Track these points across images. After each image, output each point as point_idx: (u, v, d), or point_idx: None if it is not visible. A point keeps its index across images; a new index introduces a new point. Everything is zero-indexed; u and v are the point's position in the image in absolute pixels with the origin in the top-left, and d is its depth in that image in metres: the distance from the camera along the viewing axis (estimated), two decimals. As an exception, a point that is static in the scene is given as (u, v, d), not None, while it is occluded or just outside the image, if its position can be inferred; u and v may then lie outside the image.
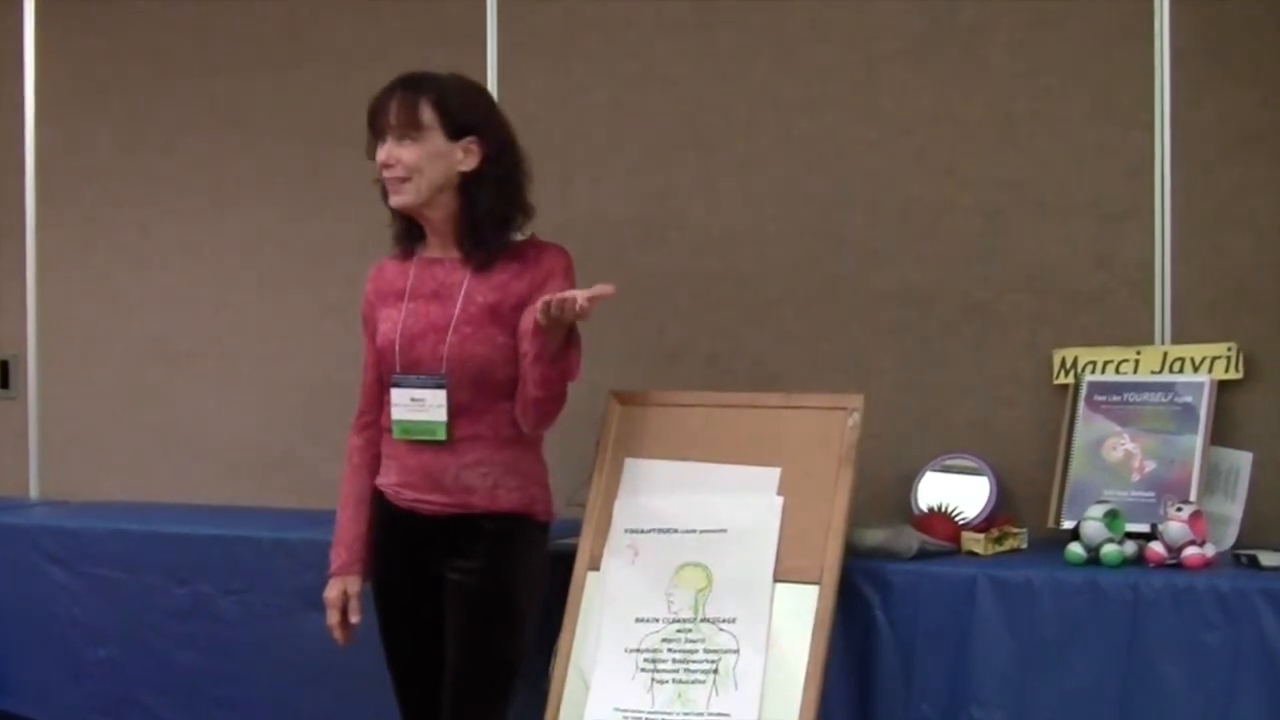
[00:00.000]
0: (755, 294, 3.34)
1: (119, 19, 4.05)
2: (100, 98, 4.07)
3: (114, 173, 4.06)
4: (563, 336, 2.60)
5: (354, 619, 2.82)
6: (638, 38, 3.46)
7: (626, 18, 3.47)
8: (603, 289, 2.48)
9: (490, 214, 2.71)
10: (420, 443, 2.71)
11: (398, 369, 2.73)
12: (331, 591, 2.83)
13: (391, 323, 2.76)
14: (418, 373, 2.71)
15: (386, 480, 2.80)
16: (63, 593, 3.51)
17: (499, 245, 2.72)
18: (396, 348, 2.73)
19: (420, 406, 2.70)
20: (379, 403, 2.82)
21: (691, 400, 2.92)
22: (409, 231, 2.80)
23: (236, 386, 3.91)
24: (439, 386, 2.69)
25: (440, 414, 2.69)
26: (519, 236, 2.77)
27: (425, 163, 2.67)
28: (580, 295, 2.47)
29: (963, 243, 3.16)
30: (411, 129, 2.66)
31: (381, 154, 2.68)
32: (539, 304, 2.52)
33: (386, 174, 2.69)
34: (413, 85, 2.69)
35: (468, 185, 2.71)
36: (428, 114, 2.67)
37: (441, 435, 2.69)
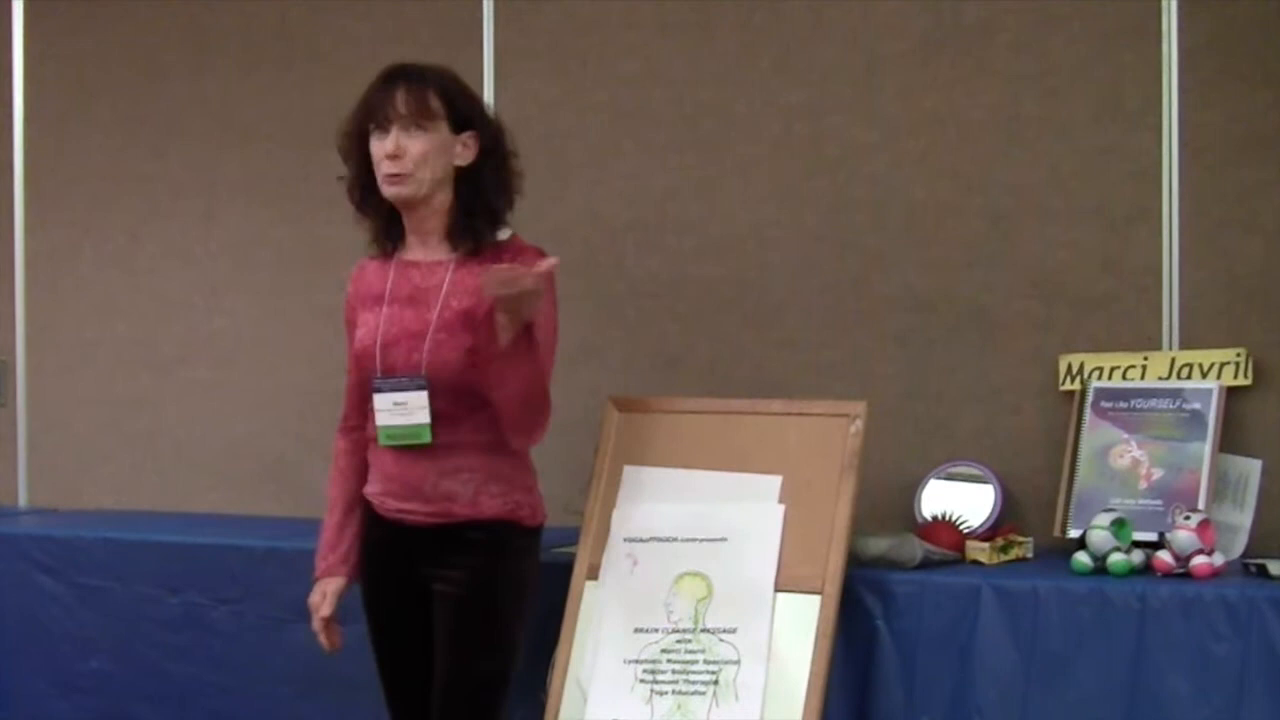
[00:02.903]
0: (756, 299, 3.32)
1: (109, 20, 4.02)
2: (90, 100, 4.04)
3: (104, 176, 4.03)
4: (516, 330, 2.50)
5: (325, 613, 2.74)
6: (638, 38, 3.44)
7: (626, 18, 3.45)
8: (549, 263, 2.46)
9: (483, 209, 2.67)
10: (403, 450, 2.67)
11: (378, 374, 2.68)
12: (315, 596, 2.78)
13: (368, 327, 2.71)
14: (396, 377, 2.66)
15: (373, 489, 2.75)
16: (52, 602, 3.47)
17: (487, 238, 2.68)
18: (376, 353, 2.68)
19: (404, 411, 2.65)
20: (362, 407, 2.77)
21: (691, 407, 2.91)
22: (389, 231, 2.74)
23: (228, 393, 3.88)
24: (420, 389, 2.64)
25: (424, 416, 2.63)
26: (502, 235, 2.71)
27: (432, 154, 2.63)
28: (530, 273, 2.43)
29: (967, 247, 3.14)
30: (422, 119, 2.62)
31: (389, 145, 2.62)
32: (490, 271, 2.44)
33: (390, 166, 2.63)
34: (418, 75, 2.65)
35: (462, 180, 2.67)
36: (435, 104, 2.63)
37: (426, 438, 2.64)
